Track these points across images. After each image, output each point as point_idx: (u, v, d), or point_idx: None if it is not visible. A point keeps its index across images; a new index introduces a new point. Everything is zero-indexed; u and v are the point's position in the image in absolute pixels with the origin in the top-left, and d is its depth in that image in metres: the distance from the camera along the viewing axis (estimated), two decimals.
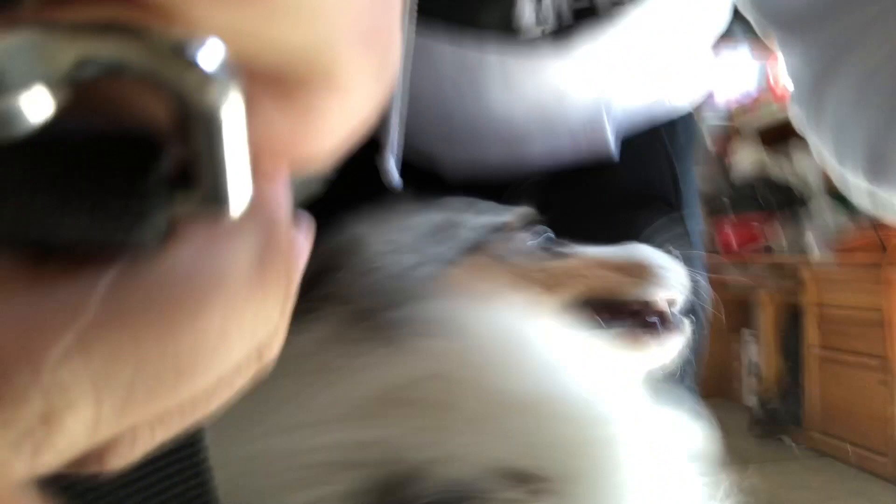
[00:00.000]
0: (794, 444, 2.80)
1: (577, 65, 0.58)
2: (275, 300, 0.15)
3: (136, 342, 0.12)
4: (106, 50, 0.11)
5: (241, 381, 0.15)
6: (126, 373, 0.12)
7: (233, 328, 0.13)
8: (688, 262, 0.66)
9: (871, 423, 2.46)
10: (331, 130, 0.15)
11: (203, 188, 0.13)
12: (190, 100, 0.12)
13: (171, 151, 0.13)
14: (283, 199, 0.16)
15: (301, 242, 0.17)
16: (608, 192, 0.66)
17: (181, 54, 0.12)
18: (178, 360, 0.13)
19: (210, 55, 0.12)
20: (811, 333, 2.73)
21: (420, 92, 0.58)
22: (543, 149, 0.64)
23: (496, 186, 0.66)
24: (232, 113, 0.12)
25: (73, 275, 0.12)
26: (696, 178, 0.72)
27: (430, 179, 0.67)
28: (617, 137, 0.67)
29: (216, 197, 0.13)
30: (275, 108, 0.14)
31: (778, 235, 3.04)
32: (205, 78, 0.12)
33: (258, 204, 0.14)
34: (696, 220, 0.70)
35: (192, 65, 0.12)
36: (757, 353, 3.09)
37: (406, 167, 0.68)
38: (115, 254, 0.13)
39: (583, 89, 0.60)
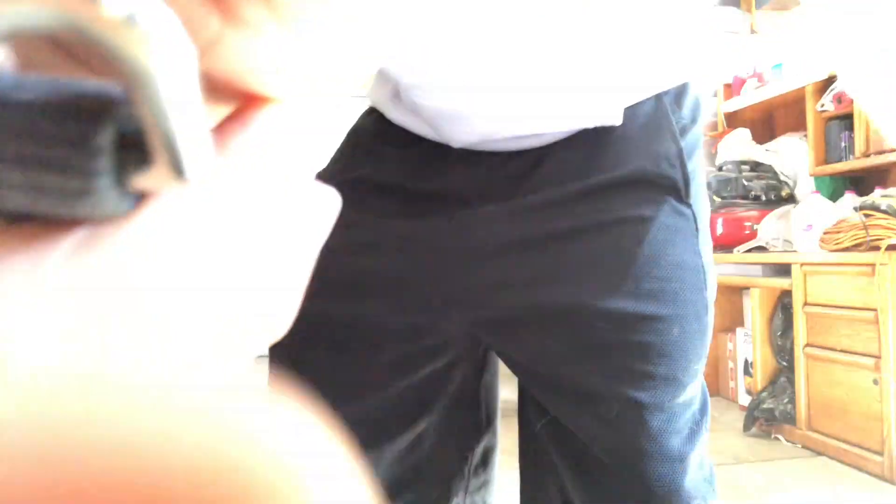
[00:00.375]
0: (788, 443, 2.80)
1: (582, 21, 0.55)
2: (266, 263, 0.14)
3: (96, 316, 0.11)
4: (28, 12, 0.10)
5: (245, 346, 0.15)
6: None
7: (201, 298, 0.12)
8: (694, 259, 0.63)
9: (864, 422, 2.46)
10: (326, 43, 0.14)
11: (155, 154, 0.12)
12: (128, 60, 0.11)
13: (117, 120, 0.12)
14: (273, 145, 0.15)
15: (319, 207, 0.16)
16: (611, 165, 0.63)
17: (112, 9, 0.10)
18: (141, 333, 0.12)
19: (146, 7, 0.11)
20: (804, 332, 2.73)
21: (427, 48, 0.56)
22: (550, 110, 0.61)
23: (502, 154, 0.64)
24: (176, 69, 0.11)
25: (32, 243, 0.12)
26: (702, 164, 0.68)
27: (436, 147, 0.65)
28: (622, 104, 0.63)
29: (170, 163, 0.12)
30: (270, 22, 0.13)
31: (769, 232, 3.04)
32: (140, 34, 0.11)
33: (241, 159, 0.14)
34: (705, 211, 0.66)
35: (126, 20, 0.11)
36: (751, 352, 3.09)
37: (411, 138, 0.66)
38: (76, 223, 0.12)
39: (589, 47, 0.57)
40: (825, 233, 2.66)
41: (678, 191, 0.63)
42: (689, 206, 0.63)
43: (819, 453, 2.66)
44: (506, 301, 0.63)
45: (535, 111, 0.61)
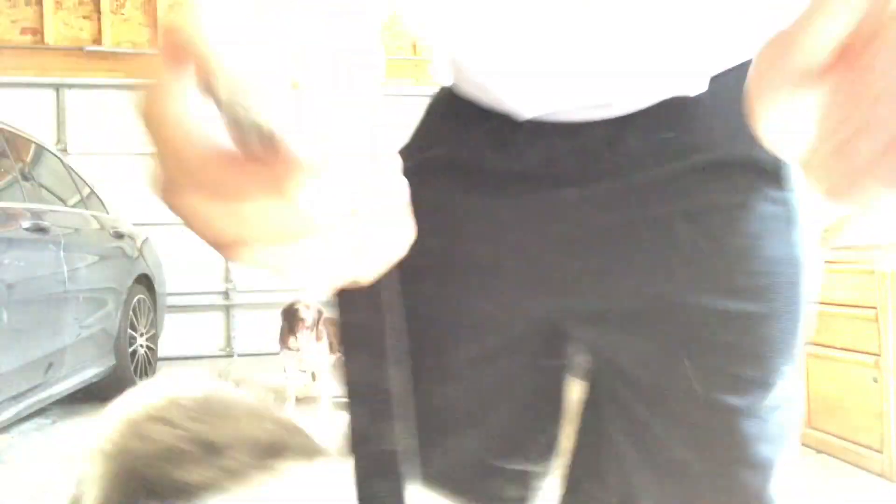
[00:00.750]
0: None
1: None
2: None
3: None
4: None
5: None
6: None
7: None
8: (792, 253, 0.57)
9: (864, 420, 2.46)
10: None
11: None
12: None
13: None
14: None
15: None
16: (697, 146, 0.57)
17: None
18: None
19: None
20: None
21: (492, 20, 0.53)
22: (621, 79, 0.56)
23: (573, 125, 0.59)
24: None
25: None
26: None
27: (507, 122, 0.62)
28: (705, 73, 0.56)
29: None
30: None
31: None
32: None
33: None
34: (807, 198, 0.58)
35: None
36: None
37: (482, 113, 0.64)
38: None
39: (666, 9, 0.51)
40: (825, 230, 2.66)
41: (773, 176, 0.56)
42: (787, 192, 0.56)
43: (819, 451, 2.66)
44: (584, 292, 0.60)
45: (602, 80, 0.56)
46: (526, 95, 0.59)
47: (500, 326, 0.64)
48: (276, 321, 3.58)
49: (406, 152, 0.67)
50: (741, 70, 0.57)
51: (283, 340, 3.38)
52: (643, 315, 0.58)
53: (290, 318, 3.33)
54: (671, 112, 0.57)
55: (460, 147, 0.64)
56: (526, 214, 0.61)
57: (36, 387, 2.82)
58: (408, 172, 0.70)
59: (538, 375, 0.67)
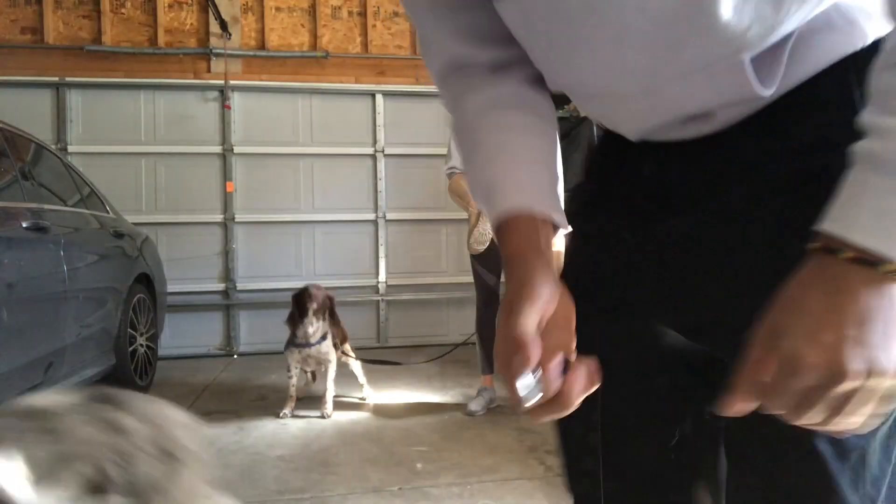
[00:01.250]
0: None
1: None
2: None
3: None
4: None
5: None
6: None
7: None
8: None
9: None
10: None
11: None
12: None
13: None
14: None
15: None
16: (764, 162, 0.53)
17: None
18: None
19: None
20: None
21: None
22: (676, 91, 0.54)
23: (678, 143, 0.58)
24: None
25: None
26: None
27: (622, 143, 0.64)
28: (771, 75, 0.51)
29: None
30: None
31: None
32: None
33: None
34: None
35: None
36: None
37: (615, 141, 0.65)
38: None
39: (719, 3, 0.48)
40: None
41: None
42: None
43: None
44: (688, 310, 0.60)
45: (658, 105, 0.55)
46: (619, 113, 0.60)
47: (639, 345, 0.65)
48: (276, 321, 3.56)
49: (577, 188, 0.72)
50: (835, 70, 0.53)
51: (292, 324, 3.34)
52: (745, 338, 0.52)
53: (301, 300, 3.32)
54: (769, 118, 0.54)
55: (601, 176, 0.68)
56: (636, 237, 0.62)
57: (36, 386, 2.82)
58: (577, 210, 0.71)
59: (703, 395, 0.65)
